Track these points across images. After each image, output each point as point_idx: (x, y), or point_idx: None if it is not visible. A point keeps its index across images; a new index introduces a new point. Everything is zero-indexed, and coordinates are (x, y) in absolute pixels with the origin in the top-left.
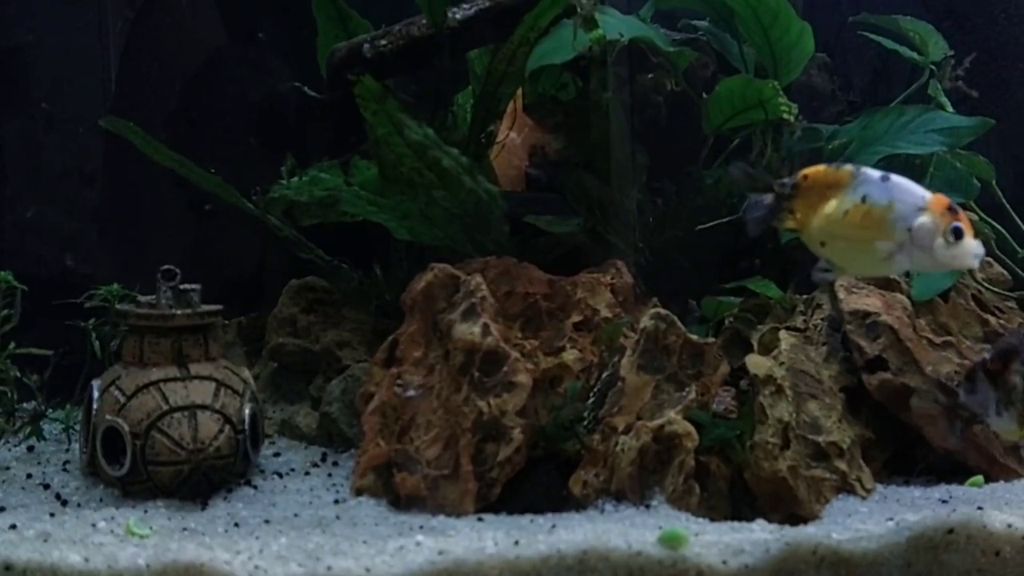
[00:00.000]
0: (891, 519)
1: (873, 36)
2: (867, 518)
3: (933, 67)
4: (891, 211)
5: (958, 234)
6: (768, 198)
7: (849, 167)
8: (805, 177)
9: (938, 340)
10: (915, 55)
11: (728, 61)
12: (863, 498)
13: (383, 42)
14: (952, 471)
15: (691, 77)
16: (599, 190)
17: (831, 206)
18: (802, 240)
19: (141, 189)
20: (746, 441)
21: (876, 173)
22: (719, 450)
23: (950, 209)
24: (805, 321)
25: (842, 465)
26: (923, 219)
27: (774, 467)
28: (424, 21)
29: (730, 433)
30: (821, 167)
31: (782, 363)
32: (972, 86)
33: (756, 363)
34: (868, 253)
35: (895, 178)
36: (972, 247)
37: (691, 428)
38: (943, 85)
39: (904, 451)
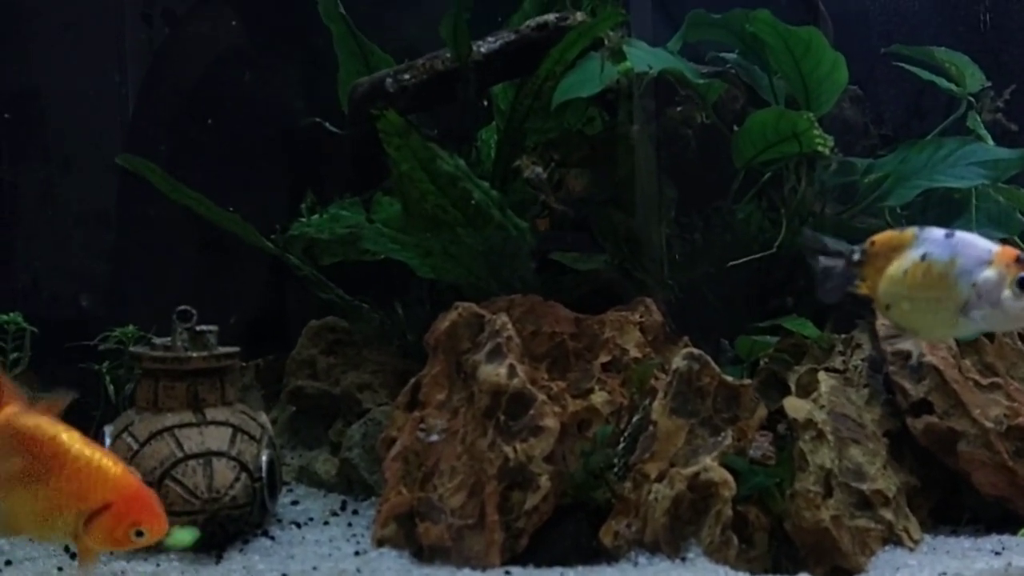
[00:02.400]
0: (943, 573)
1: (909, 67)
2: (917, 572)
3: (972, 99)
4: (953, 267)
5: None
6: (840, 264)
7: (914, 228)
8: (873, 243)
9: (985, 381)
10: (953, 86)
11: (758, 94)
12: (911, 549)
13: (406, 76)
14: (1002, 519)
15: (720, 110)
16: (627, 225)
17: (892, 267)
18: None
19: (157, 228)
20: (786, 489)
21: (940, 231)
22: (758, 499)
23: (1019, 260)
24: (844, 362)
25: (888, 514)
26: (988, 273)
27: (816, 517)
28: (448, 55)
29: (769, 481)
30: (888, 231)
31: (822, 406)
32: (1011, 119)
33: (795, 406)
34: (934, 313)
35: (960, 234)
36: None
37: (728, 476)
38: (982, 117)
39: (950, 498)
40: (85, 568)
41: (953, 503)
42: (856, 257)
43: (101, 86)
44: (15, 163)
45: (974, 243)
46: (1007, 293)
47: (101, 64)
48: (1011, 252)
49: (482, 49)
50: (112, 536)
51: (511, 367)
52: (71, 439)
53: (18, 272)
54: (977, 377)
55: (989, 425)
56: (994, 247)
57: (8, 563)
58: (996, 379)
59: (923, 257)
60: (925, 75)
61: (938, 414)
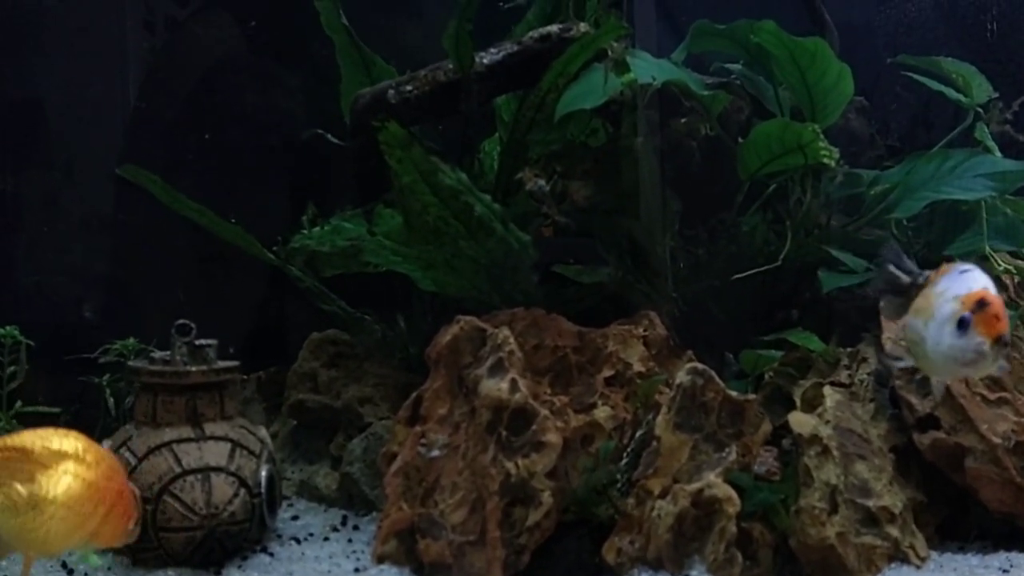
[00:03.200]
0: None
1: (916, 77)
2: None
3: (979, 110)
4: (936, 298)
5: (963, 324)
6: (905, 280)
7: (952, 264)
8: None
9: (992, 396)
10: (960, 97)
11: (763, 105)
12: (917, 567)
13: (409, 87)
14: (1010, 536)
15: (725, 121)
16: (631, 238)
17: (918, 298)
18: None
19: (157, 240)
20: (791, 506)
21: (961, 267)
22: (762, 515)
23: (981, 303)
24: (850, 376)
25: (894, 531)
26: (949, 305)
27: (821, 534)
28: (450, 66)
29: (774, 497)
30: (947, 263)
31: (827, 421)
32: (1018, 131)
33: (800, 421)
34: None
35: (971, 272)
36: (974, 344)
37: (732, 492)
38: (990, 128)
39: (958, 515)
40: None
41: (960, 520)
42: (920, 280)
43: (102, 96)
44: (16, 172)
45: (965, 279)
46: (948, 329)
47: (102, 74)
48: (980, 294)
49: (485, 60)
50: None
51: (513, 382)
52: None
53: (17, 282)
54: (984, 392)
55: (997, 441)
56: (977, 287)
57: None
58: (1004, 394)
59: (933, 287)
60: (933, 85)
61: (945, 429)
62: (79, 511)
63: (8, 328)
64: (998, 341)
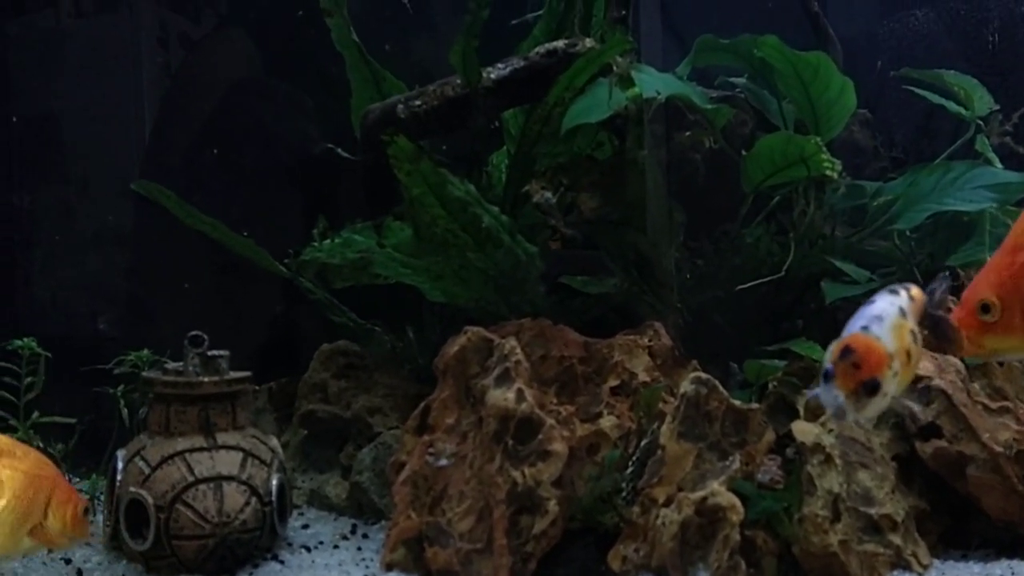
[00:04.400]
0: None
1: (918, 91)
2: None
3: (980, 122)
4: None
5: (827, 377)
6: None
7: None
8: None
9: (994, 405)
10: (961, 110)
11: (767, 118)
12: (920, 575)
13: (418, 102)
14: (1012, 545)
15: (729, 134)
16: (636, 249)
17: None
18: None
19: (171, 252)
20: (794, 514)
21: (882, 292)
22: (766, 523)
23: (843, 352)
24: None
25: (896, 539)
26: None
27: (824, 541)
28: (459, 81)
29: (777, 505)
30: None
31: (830, 430)
32: (1019, 142)
33: (803, 430)
34: None
35: (873, 304)
36: (830, 398)
37: (736, 500)
38: (991, 141)
39: (960, 523)
40: None
41: (963, 528)
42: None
43: (118, 112)
44: (33, 187)
45: (856, 319)
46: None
47: (118, 91)
48: (846, 342)
49: (492, 75)
50: None
51: (520, 391)
52: None
53: (34, 294)
54: (986, 401)
55: (998, 449)
56: (854, 327)
57: None
58: (1005, 403)
59: None
60: (935, 98)
61: (947, 438)
62: (24, 499)
63: (26, 340)
64: (856, 392)
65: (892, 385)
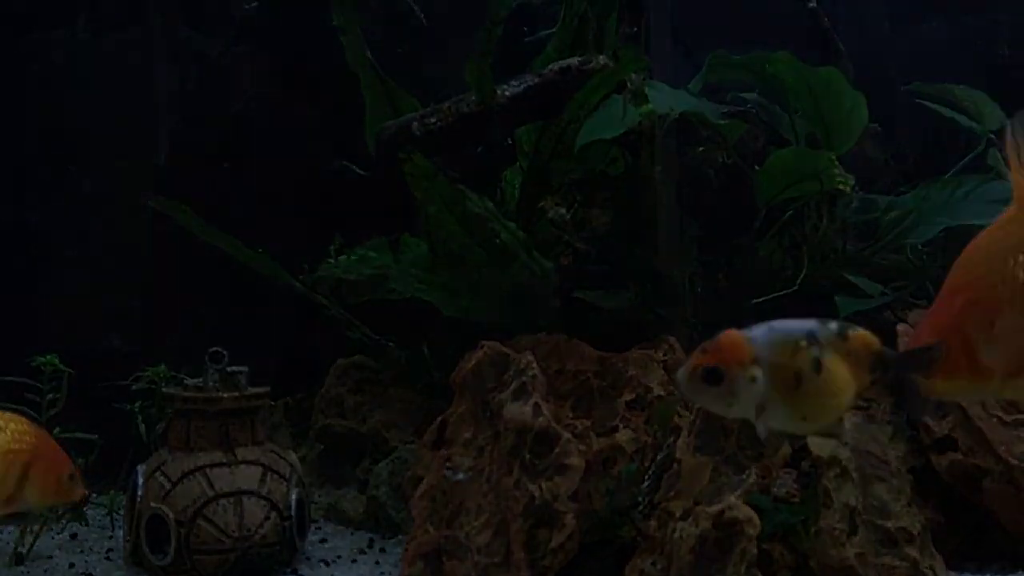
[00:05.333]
0: None
1: (930, 104)
2: None
3: (991, 136)
4: None
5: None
6: None
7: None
8: None
9: (1009, 418)
10: (973, 124)
11: (779, 133)
12: None
13: (433, 120)
14: None
15: (742, 149)
16: (650, 264)
17: None
18: None
19: (188, 269)
20: (811, 527)
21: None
22: (782, 537)
23: (713, 337)
24: (867, 398)
25: (913, 552)
26: None
27: (841, 555)
28: (473, 98)
29: (793, 519)
30: None
31: (846, 443)
32: None
33: (818, 444)
34: None
35: (792, 320)
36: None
37: (752, 514)
38: (1002, 154)
39: (977, 536)
40: None
41: (979, 541)
42: None
43: (135, 129)
44: (49, 203)
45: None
46: None
47: (135, 106)
48: (723, 338)
49: (506, 92)
50: None
51: (536, 406)
52: None
53: (51, 312)
54: (1001, 414)
55: (1014, 462)
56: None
57: None
58: (1020, 416)
59: None
60: (946, 112)
61: (962, 451)
62: None
63: (49, 356)
64: (695, 372)
65: (749, 392)
